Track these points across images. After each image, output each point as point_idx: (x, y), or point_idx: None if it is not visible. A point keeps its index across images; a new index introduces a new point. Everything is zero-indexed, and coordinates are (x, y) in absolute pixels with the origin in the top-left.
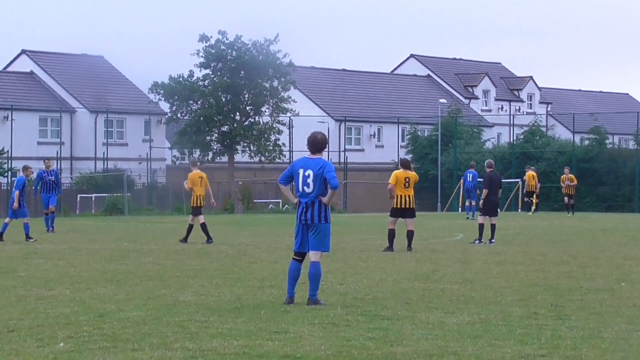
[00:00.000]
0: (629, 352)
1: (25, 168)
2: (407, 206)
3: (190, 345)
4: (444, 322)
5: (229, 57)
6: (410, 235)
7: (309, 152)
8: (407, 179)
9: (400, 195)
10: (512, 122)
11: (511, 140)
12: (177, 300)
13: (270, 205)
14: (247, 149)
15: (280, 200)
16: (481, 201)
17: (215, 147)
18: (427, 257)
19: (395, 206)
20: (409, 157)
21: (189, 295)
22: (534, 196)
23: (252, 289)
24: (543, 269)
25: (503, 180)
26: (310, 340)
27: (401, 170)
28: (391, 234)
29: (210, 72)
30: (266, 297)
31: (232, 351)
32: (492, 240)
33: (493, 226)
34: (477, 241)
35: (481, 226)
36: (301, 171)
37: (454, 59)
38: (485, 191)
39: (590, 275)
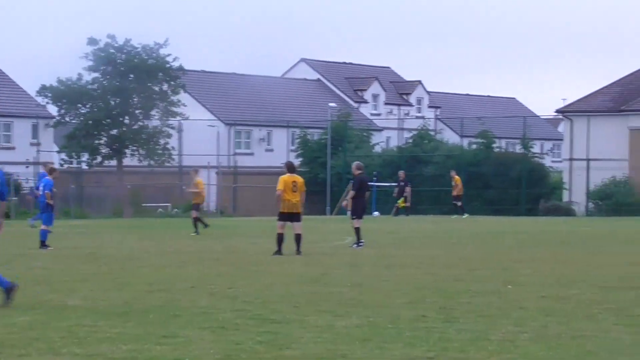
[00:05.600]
0: (516, 354)
1: None
2: (294, 210)
3: (78, 350)
4: (333, 325)
5: (118, 61)
6: (298, 238)
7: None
8: (294, 183)
9: (288, 200)
10: (401, 126)
11: (400, 144)
12: (66, 305)
13: (159, 209)
14: (137, 152)
15: (169, 204)
16: (345, 202)
17: (104, 151)
18: (316, 261)
19: (282, 210)
20: (297, 160)
21: (77, 300)
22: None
23: (141, 293)
24: (432, 272)
25: (390, 184)
26: (200, 345)
27: (287, 174)
28: (280, 238)
29: (100, 76)
30: (155, 301)
31: (121, 356)
32: (362, 242)
33: (357, 229)
34: (356, 244)
35: (358, 229)
36: None
37: (344, 63)
38: (352, 192)
39: (479, 278)
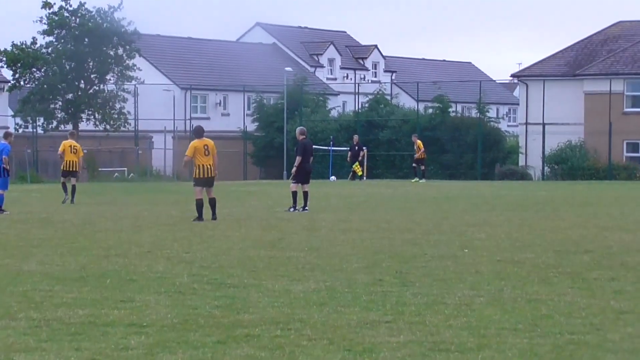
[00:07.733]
0: (472, 318)
1: None
2: (210, 175)
3: (34, 315)
4: (290, 289)
5: (72, 25)
6: (213, 202)
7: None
8: (206, 147)
9: (202, 165)
10: (357, 91)
11: (356, 108)
12: (21, 270)
13: (116, 174)
14: (92, 117)
15: (125, 169)
16: (294, 169)
17: (59, 115)
18: (272, 225)
19: (198, 176)
20: (254, 125)
21: (33, 265)
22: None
23: (98, 258)
24: (388, 236)
25: (346, 149)
26: (157, 309)
27: (197, 140)
28: (200, 204)
29: (54, 40)
30: (112, 266)
31: (78, 320)
32: (306, 208)
33: (305, 194)
34: (292, 209)
35: (294, 194)
36: None
37: (299, 27)
38: (298, 159)
39: (434, 242)
